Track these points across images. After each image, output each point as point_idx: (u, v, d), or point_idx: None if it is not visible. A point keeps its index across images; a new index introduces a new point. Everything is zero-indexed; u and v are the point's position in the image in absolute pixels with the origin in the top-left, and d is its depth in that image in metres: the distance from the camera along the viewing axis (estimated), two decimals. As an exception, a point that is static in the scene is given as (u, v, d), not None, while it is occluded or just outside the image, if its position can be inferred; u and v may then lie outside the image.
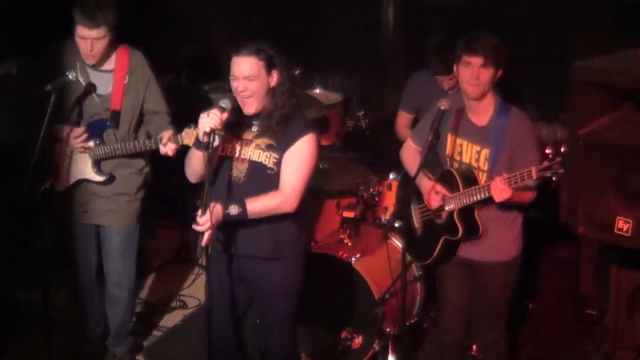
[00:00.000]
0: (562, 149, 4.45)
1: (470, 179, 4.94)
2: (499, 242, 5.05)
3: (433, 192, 5.04)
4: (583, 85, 4.63)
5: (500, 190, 4.67)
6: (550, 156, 4.48)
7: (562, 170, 4.43)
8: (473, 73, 4.83)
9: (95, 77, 5.40)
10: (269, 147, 4.74)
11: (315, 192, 6.12)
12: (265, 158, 4.74)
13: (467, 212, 4.95)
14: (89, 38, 5.19)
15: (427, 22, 7.57)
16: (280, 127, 4.70)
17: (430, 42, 6.18)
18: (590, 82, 4.62)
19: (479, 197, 4.82)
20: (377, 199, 6.26)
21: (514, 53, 6.62)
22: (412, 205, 5.30)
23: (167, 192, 6.23)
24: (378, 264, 5.82)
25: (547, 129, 6.37)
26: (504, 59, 4.92)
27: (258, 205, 4.66)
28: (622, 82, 4.58)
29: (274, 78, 4.68)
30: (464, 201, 4.90)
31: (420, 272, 5.99)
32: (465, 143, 5.01)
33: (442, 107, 4.89)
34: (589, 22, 6.63)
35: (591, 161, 4.61)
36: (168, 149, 5.19)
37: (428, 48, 6.13)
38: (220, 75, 4.66)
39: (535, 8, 6.92)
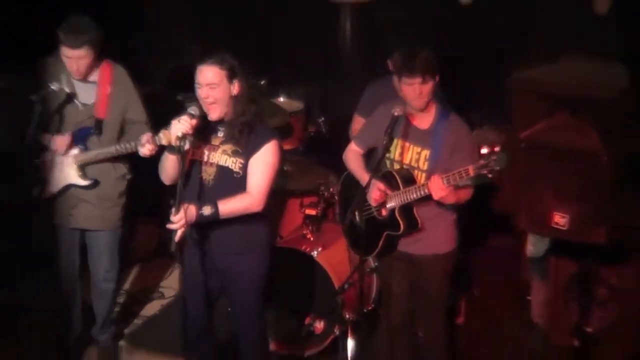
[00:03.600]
0: (496, 149, 4.56)
1: (408, 179, 5.05)
2: (437, 239, 5.18)
3: (376, 189, 5.08)
4: (522, 94, 4.86)
5: (438, 189, 4.77)
6: (486, 155, 4.59)
7: (497, 168, 4.53)
8: (415, 90, 4.90)
9: (80, 87, 5.55)
10: (234, 153, 4.90)
11: (280, 192, 6.35)
12: (232, 163, 4.90)
13: (407, 209, 5.07)
14: (73, 57, 5.37)
15: (382, 33, 7.78)
16: (244, 135, 4.85)
17: (398, 54, 5.94)
18: (528, 91, 4.92)
19: (417, 195, 4.93)
20: (336, 197, 6.24)
21: (458, 62, 6.83)
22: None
23: (146, 192, 6.25)
24: (338, 256, 6.02)
25: (492, 133, 6.48)
26: (438, 66, 4.94)
27: (229, 206, 4.83)
28: (554, 92, 4.93)
29: (236, 87, 4.81)
30: (404, 199, 5.02)
31: (376, 264, 6.11)
32: (407, 144, 5.11)
33: (396, 113, 4.97)
34: (523, 37, 6.95)
35: (531, 162, 4.89)
36: (146, 149, 5.30)
37: (395, 59, 5.97)
38: (193, 85, 5.06)
39: (477, 22, 7.20)
